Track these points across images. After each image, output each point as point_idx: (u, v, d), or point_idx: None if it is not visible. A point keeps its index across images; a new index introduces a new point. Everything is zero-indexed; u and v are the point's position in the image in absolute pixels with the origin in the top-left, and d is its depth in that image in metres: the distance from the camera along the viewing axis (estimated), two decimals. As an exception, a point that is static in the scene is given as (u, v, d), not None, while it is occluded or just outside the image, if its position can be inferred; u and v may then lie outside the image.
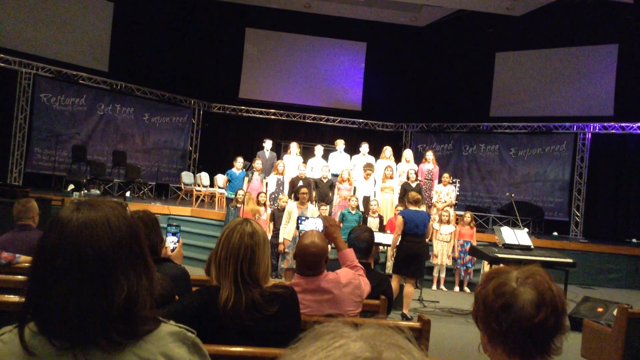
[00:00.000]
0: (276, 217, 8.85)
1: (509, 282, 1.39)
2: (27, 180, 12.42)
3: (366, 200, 9.85)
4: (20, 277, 3.26)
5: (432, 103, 16.60)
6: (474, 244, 9.38)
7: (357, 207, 9.21)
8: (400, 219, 7.07)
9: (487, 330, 1.40)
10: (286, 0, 15.43)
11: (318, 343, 0.59)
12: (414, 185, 9.80)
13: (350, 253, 3.17)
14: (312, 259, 2.73)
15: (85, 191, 11.21)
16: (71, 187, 11.04)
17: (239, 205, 9.10)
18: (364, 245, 4.08)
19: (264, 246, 2.19)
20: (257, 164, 10.25)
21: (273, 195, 9.74)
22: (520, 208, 11.22)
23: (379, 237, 7.83)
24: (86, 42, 13.87)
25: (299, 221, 6.96)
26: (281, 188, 9.93)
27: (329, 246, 3.05)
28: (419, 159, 11.76)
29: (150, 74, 14.86)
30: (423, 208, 9.41)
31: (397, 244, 7.11)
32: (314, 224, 6.42)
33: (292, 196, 9.29)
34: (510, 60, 15.70)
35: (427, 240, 9.24)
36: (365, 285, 3.03)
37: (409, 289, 7.00)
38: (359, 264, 3.16)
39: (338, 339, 0.59)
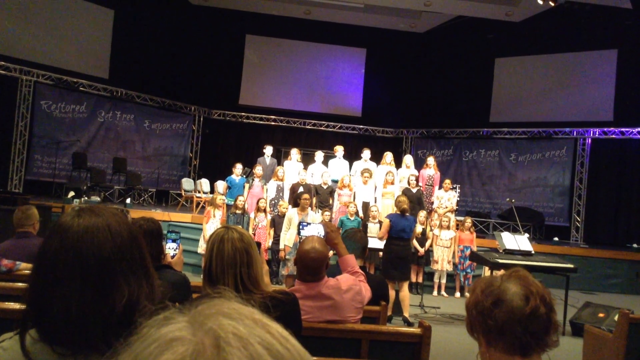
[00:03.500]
0: (276, 223, 8.85)
1: (494, 282, 1.47)
2: (28, 187, 12.42)
3: (366, 205, 9.84)
4: (20, 284, 3.26)
5: (432, 109, 16.61)
6: (475, 249, 9.38)
7: (356, 213, 9.21)
8: (387, 221, 7.26)
9: (484, 332, 1.42)
10: (286, 7, 15.47)
11: (145, 333, 0.55)
12: (414, 190, 9.80)
13: (351, 259, 3.17)
14: (312, 265, 2.73)
15: (86, 198, 11.20)
16: (71, 194, 11.04)
17: (238, 211, 9.09)
18: (360, 245, 4.11)
19: (255, 246, 2.19)
20: (258, 170, 10.24)
21: (273, 202, 9.73)
22: (520, 213, 11.21)
23: (379, 243, 7.84)
24: (86, 49, 13.90)
25: (301, 227, 6.98)
26: (281, 194, 9.92)
27: (331, 252, 3.05)
28: (419, 164, 11.77)
29: (150, 80, 14.88)
30: (423, 213, 9.45)
31: (383, 246, 7.27)
32: (315, 230, 6.42)
33: (293, 202, 9.29)
34: (509, 66, 15.73)
35: (427, 244, 9.33)
36: (367, 292, 3.03)
37: (404, 292, 7.08)
38: (359, 270, 3.16)
39: (166, 325, 0.55)
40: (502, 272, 1.54)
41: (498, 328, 1.39)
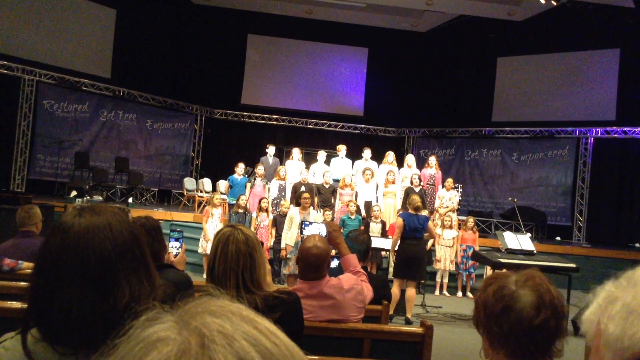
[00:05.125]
0: (278, 222, 8.85)
1: (508, 285, 1.41)
2: (30, 186, 12.44)
3: (368, 205, 9.82)
4: (22, 283, 3.26)
5: (434, 108, 16.59)
6: (477, 249, 9.38)
7: (357, 211, 9.21)
8: (400, 220, 7.12)
9: (488, 335, 1.40)
10: (288, 7, 15.47)
11: (131, 334, 0.55)
12: (417, 190, 9.79)
13: (353, 258, 3.16)
14: (314, 261, 2.73)
15: (88, 197, 11.22)
16: (74, 193, 11.05)
17: (240, 210, 9.10)
18: (362, 247, 4.10)
19: (260, 248, 2.18)
20: (260, 169, 10.24)
21: (275, 201, 9.73)
22: (522, 213, 11.20)
23: (381, 243, 7.82)
24: (89, 49, 13.91)
25: (303, 226, 7.03)
26: (283, 194, 9.92)
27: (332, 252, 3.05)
28: (421, 164, 11.76)
29: (152, 80, 14.89)
30: (425, 213, 9.44)
31: (397, 247, 7.14)
32: (317, 229, 6.45)
33: (294, 202, 9.28)
34: (512, 65, 15.71)
35: (430, 243, 9.30)
36: (368, 291, 3.03)
37: (410, 292, 7.01)
38: (361, 270, 3.16)
39: (151, 325, 0.55)
40: (518, 274, 1.42)
41: (503, 335, 1.37)
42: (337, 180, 10.30)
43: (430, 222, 7.40)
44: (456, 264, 9.49)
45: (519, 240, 7.58)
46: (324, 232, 5.62)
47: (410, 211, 7.17)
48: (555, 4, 12.76)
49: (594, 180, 14.19)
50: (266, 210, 9.11)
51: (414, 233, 7.04)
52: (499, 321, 1.37)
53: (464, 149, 16.18)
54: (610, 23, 13.61)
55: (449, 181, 10.46)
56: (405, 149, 16.56)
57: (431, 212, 10.11)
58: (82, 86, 13.48)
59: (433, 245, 9.48)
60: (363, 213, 9.65)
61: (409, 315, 6.96)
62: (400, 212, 7.79)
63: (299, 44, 16.84)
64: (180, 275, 2.84)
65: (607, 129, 13.97)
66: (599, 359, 0.85)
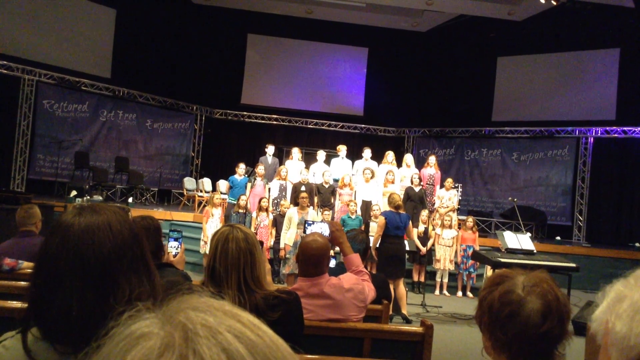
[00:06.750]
0: (278, 222, 8.86)
1: (515, 290, 1.38)
2: (30, 186, 12.43)
3: (366, 204, 9.80)
4: (22, 283, 3.26)
5: (434, 108, 16.59)
6: (477, 248, 9.38)
7: (357, 211, 9.22)
8: (382, 219, 7.17)
9: (491, 337, 1.39)
10: (288, 6, 15.47)
11: (114, 333, 0.56)
12: (417, 189, 9.79)
13: (356, 258, 3.16)
14: (315, 254, 2.73)
15: (88, 197, 11.21)
16: (74, 193, 11.05)
17: (240, 210, 9.10)
18: (361, 247, 4.11)
19: (259, 246, 2.19)
20: (260, 169, 10.23)
21: (275, 201, 9.73)
22: (522, 213, 11.20)
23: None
24: (89, 49, 13.90)
25: (306, 225, 7.06)
26: (284, 193, 9.91)
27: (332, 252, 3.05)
28: (421, 163, 11.76)
29: (152, 80, 14.89)
30: (425, 212, 9.44)
31: (377, 245, 7.17)
32: (319, 229, 6.45)
33: (294, 201, 9.28)
34: (512, 65, 15.71)
35: (430, 243, 9.31)
36: (370, 291, 3.02)
37: (401, 290, 7.07)
38: (364, 269, 3.15)
39: (134, 322, 0.56)
40: (526, 276, 1.36)
41: (507, 341, 1.36)
42: (337, 180, 10.30)
43: (410, 222, 7.43)
44: (456, 263, 9.49)
45: (519, 240, 7.58)
46: (326, 232, 5.62)
47: (392, 210, 7.20)
48: (555, 3, 12.76)
49: (593, 180, 14.19)
50: (266, 210, 9.12)
51: (396, 231, 7.09)
52: (503, 327, 1.36)
53: (464, 149, 16.19)
54: (610, 23, 13.61)
55: (449, 181, 10.46)
56: (405, 149, 16.55)
57: (431, 212, 10.11)
58: (82, 86, 13.48)
59: (433, 244, 9.49)
60: (359, 212, 9.64)
61: (405, 312, 7.00)
62: (383, 211, 7.81)
63: (299, 44, 16.83)
64: (179, 274, 2.84)
65: (607, 128, 13.97)
66: (607, 357, 0.85)
